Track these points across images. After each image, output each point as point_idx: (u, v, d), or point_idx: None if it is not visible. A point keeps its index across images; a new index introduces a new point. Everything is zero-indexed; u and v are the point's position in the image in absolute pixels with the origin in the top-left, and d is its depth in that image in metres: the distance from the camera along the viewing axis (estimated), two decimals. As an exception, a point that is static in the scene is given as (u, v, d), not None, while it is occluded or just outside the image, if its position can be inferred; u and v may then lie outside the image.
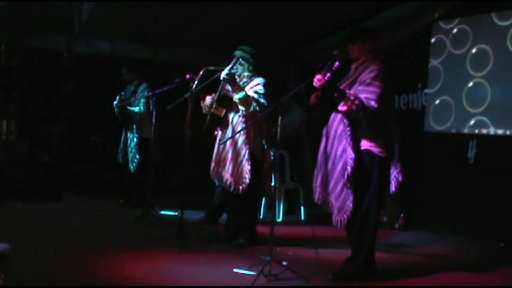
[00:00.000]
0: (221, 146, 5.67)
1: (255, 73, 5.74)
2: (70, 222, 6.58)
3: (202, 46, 9.04)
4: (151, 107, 7.10)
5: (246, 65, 5.70)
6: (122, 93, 7.58)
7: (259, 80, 5.66)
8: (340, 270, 4.66)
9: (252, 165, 5.51)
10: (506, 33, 6.53)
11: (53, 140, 8.96)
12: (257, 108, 5.48)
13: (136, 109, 7.50)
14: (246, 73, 5.72)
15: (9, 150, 8.35)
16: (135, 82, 7.72)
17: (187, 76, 5.97)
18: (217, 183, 6.20)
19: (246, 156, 5.52)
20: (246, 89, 5.55)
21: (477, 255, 5.97)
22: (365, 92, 4.42)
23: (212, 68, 5.72)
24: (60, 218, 6.74)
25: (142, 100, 7.45)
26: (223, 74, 5.44)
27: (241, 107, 5.53)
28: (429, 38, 7.48)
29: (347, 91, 4.43)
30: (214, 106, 5.68)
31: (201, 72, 5.75)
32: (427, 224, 7.16)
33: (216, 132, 5.81)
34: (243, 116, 5.58)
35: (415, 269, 5.18)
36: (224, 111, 5.69)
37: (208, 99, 5.79)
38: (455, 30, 7.18)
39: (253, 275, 4.52)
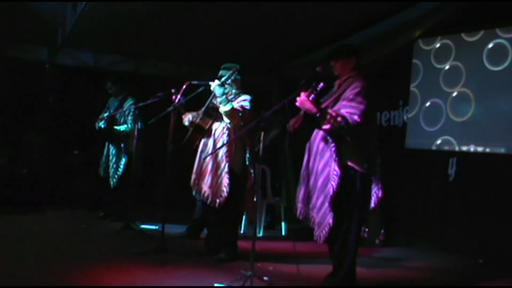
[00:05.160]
0: (202, 159, 5.66)
1: (242, 90, 5.76)
2: (49, 235, 6.50)
3: (185, 60, 9.04)
4: (138, 124, 7.09)
5: (234, 84, 5.71)
6: (106, 114, 7.51)
7: (246, 96, 5.70)
8: (321, 285, 4.65)
9: (231, 179, 5.51)
10: (481, 50, 6.67)
11: (34, 152, 8.87)
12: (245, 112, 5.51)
13: (123, 127, 7.45)
14: (233, 91, 5.73)
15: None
16: (120, 97, 7.67)
17: (172, 90, 5.96)
18: (197, 198, 6.16)
19: (226, 170, 5.52)
20: (233, 104, 5.56)
21: (456, 271, 6.01)
22: (348, 107, 4.41)
23: (195, 82, 5.74)
24: (39, 231, 6.66)
25: (130, 118, 7.40)
26: (214, 85, 5.45)
27: (226, 120, 5.54)
28: (410, 56, 7.57)
29: (328, 109, 4.42)
30: (200, 116, 5.69)
31: (184, 86, 5.76)
32: (408, 240, 7.19)
33: (197, 142, 5.80)
34: (227, 129, 5.60)
35: (395, 285, 5.19)
36: (209, 122, 5.70)
37: (189, 116, 5.80)
38: (437, 45, 7.27)
39: (234, 290, 4.51)
